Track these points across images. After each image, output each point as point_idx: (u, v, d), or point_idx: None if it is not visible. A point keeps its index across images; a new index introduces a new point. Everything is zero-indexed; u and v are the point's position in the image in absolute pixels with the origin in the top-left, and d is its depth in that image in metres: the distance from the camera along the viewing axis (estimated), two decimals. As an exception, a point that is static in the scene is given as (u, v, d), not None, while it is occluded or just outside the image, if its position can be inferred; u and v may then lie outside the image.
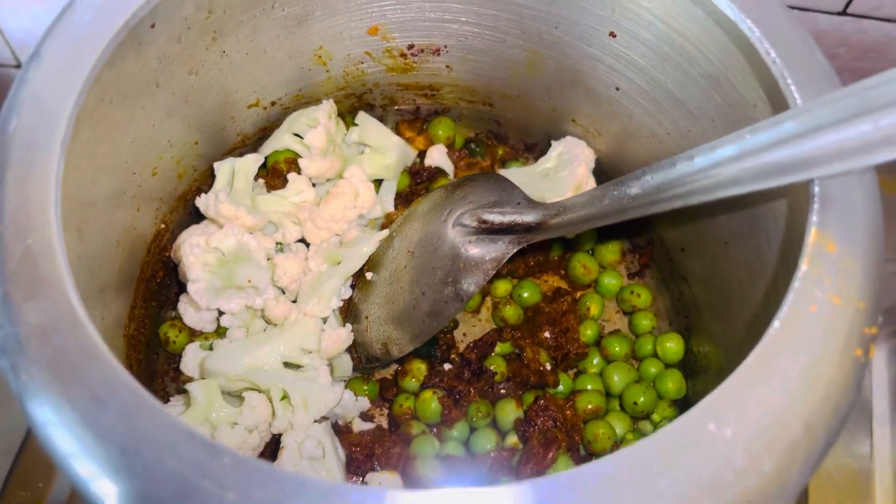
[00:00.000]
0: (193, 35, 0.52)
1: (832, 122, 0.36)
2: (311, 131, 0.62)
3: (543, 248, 0.69)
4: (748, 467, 0.33)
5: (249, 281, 0.58)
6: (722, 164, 0.41)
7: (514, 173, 0.67)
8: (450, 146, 0.71)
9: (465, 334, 0.68)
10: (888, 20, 0.79)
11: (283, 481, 0.32)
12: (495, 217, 0.55)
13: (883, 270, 0.40)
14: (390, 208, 0.66)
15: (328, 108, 0.63)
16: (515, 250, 0.56)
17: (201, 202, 0.60)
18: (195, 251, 0.57)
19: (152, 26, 0.48)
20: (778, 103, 0.45)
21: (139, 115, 0.51)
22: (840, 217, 0.39)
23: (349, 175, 0.62)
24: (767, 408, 0.34)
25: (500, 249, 0.56)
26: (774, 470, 0.33)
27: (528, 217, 0.54)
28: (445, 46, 0.63)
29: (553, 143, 0.67)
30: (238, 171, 0.61)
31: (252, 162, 0.61)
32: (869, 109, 0.35)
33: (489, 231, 0.56)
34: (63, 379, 0.35)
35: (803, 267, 0.37)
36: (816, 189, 0.39)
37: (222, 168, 0.61)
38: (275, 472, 0.32)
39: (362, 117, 0.67)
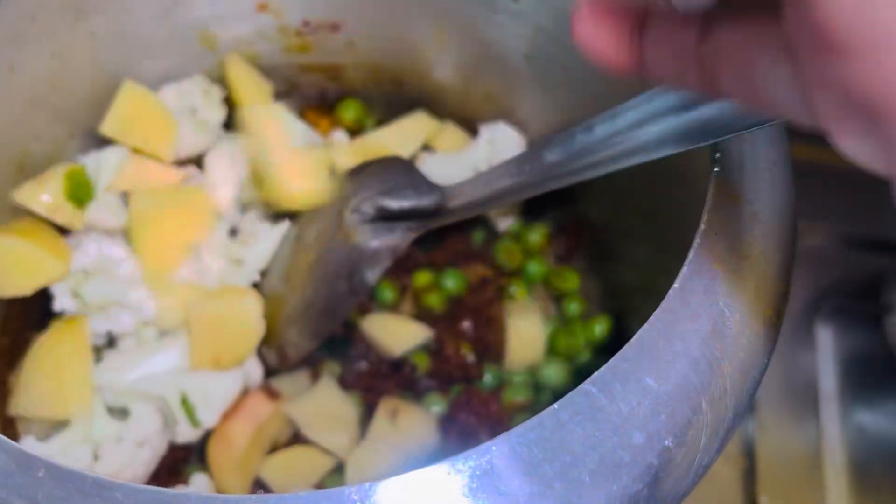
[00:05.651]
0: (50, 13, 0.48)
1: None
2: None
3: (464, 235, 0.65)
4: (647, 444, 0.29)
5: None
6: (624, 132, 0.37)
7: (440, 161, 0.63)
8: (359, 131, 0.67)
9: (385, 330, 0.64)
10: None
11: (112, 491, 0.27)
12: (392, 203, 0.51)
13: (795, 224, 0.37)
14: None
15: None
16: (414, 237, 0.52)
17: None
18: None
19: (-3, 2, 0.44)
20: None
21: (-8, 103, 0.47)
22: (744, 167, 0.36)
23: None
24: (666, 376, 0.30)
25: (397, 237, 0.51)
26: (678, 444, 0.30)
27: (426, 201, 0.50)
28: (343, 21, 0.59)
29: (481, 127, 0.63)
30: (102, 166, 0.54)
31: (115, 154, 0.54)
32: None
33: (388, 218, 0.52)
34: None
35: (704, 221, 0.34)
36: (717, 137, 0.36)
37: (87, 164, 0.54)
38: (103, 484, 0.28)
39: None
